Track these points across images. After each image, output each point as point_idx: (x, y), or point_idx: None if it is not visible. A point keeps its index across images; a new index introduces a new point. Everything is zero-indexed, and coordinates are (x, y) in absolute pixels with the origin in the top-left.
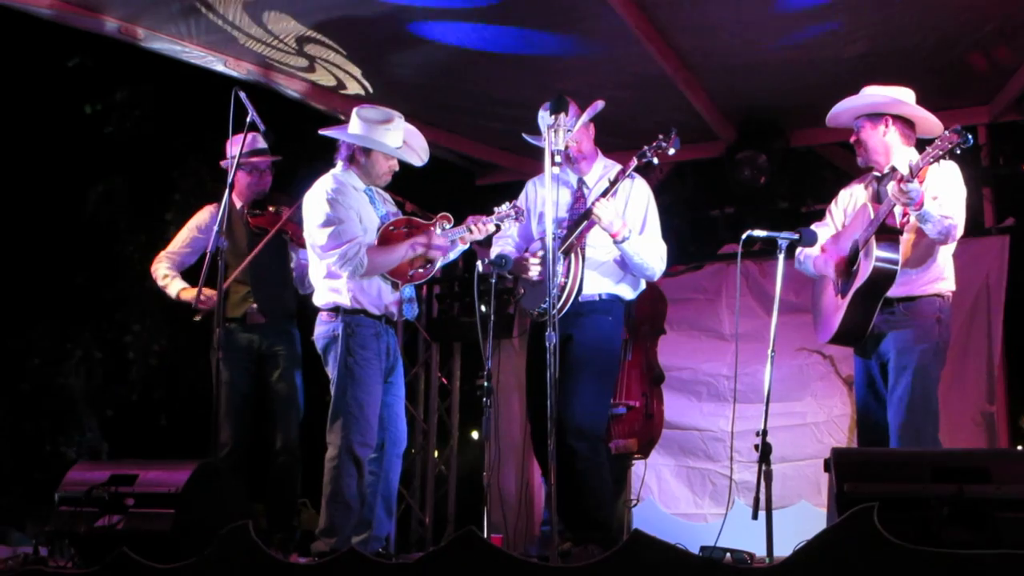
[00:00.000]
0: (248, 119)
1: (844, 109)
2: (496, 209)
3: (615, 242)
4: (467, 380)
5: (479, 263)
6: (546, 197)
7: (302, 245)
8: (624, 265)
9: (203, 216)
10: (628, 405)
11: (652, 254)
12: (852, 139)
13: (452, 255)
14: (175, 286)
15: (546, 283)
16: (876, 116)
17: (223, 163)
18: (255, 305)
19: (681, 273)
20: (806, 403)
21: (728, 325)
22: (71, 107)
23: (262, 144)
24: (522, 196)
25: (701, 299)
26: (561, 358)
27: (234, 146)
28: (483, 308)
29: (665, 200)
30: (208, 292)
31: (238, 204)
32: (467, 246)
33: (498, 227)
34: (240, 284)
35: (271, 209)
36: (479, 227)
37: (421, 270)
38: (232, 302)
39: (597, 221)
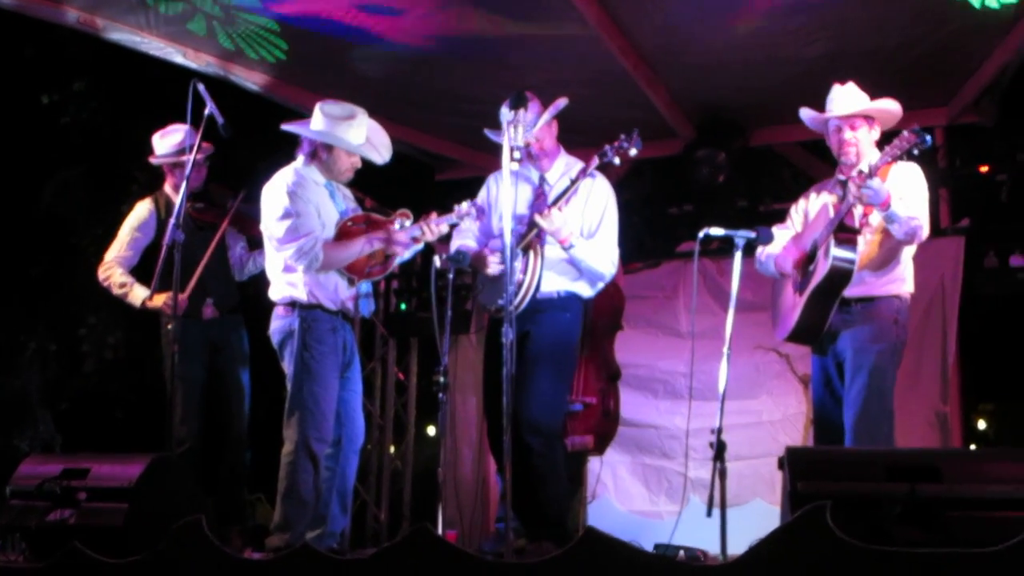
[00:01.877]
0: (206, 112)
1: (855, 110)
2: (456, 207)
3: (563, 248)
4: (424, 376)
5: (436, 258)
6: (505, 194)
7: (244, 233)
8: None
9: (140, 214)
10: (585, 402)
11: (602, 259)
12: (839, 137)
13: (409, 253)
14: (137, 294)
15: (504, 279)
16: (868, 117)
17: (152, 159)
18: (211, 299)
19: (639, 270)
20: (762, 401)
21: (685, 323)
22: (28, 97)
23: (194, 140)
24: (483, 191)
25: (659, 296)
26: (518, 354)
27: (164, 141)
28: (441, 304)
29: (624, 197)
30: (181, 297)
31: (175, 199)
32: (422, 246)
33: (453, 227)
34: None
35: (214, 202)
36: (431, 228)
37: (379, 266)
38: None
39: (544, 229)
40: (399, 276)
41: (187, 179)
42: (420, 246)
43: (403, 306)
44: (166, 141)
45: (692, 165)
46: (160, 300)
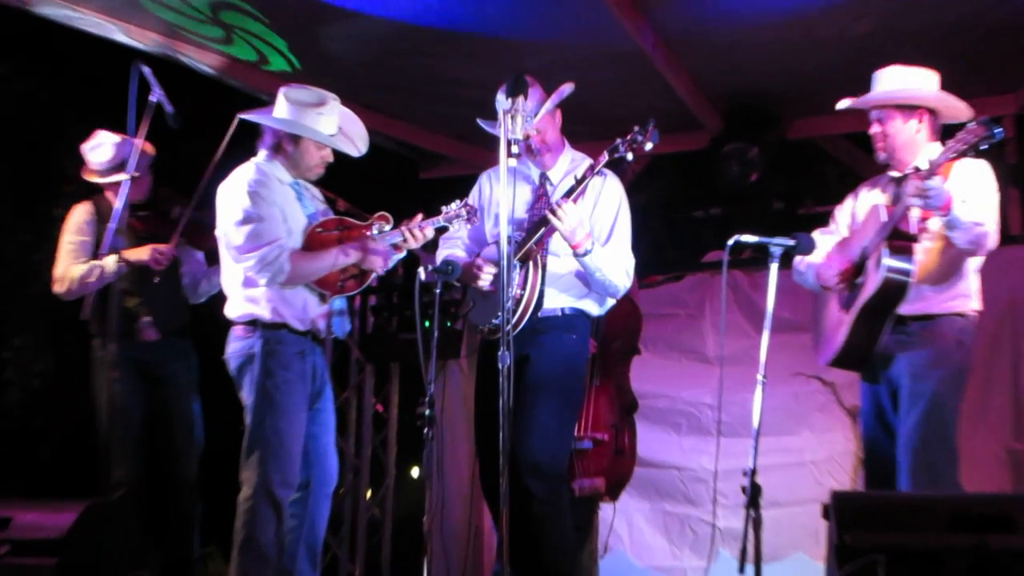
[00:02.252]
0: (152, 99)
1: (878, 96)
2: (444, 209)
3: (575, 255)
4: (406, 408)
5: (421, 270)
6: (501, 195)
7: (198, 248)
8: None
9: (78, 219)
10: (595, 439)
11: (616, 269)
12: (873, 130)
13: (389, 263)
14: (108, 261)
15: (500, 294)
16: (910, 108)
17: (85, 176)
18: (148, 319)
19: (659, 284)
20: (803, 438)
21: (712, 346)
22: None
23: (128, 153)
24: (474, 192)
25: (681, 315)
26: (516, 382)
27: (93, 155)
28: (426, 323)
29: (640, 199)
30: (166, 248)
31: (116, 205)
32: (404, 254)
33: (442, 230)
34: (129, 296)
35: (160, 208)
36: (415, 234)
37: (353, 280)
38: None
39: (557, 228)
40: (378, 291)
41: (125, 197)
42: (402, 255)
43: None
44: (95, 156)
45: (720, 161)
46: (144, 253)
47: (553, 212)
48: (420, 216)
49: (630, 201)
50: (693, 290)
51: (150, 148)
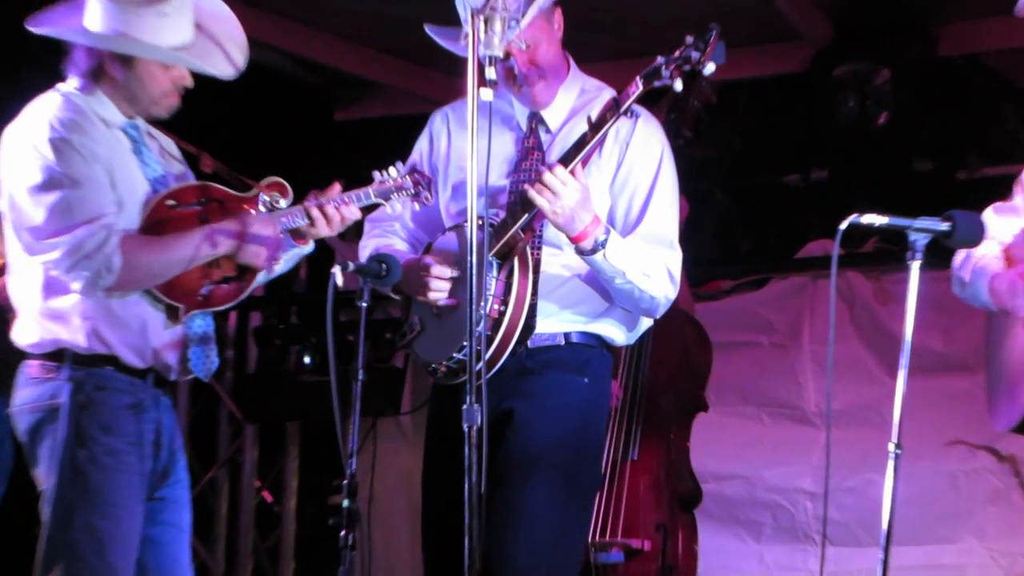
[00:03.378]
0: None
1: None
2: (379, 176)
3: (578, 252)
4: (311, 496)
5: (338, 270)
6: (468, 150)
7: None
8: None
9: None
10: (629, 547)
11: (652, 271)
12: None
13: (284, 262)
14: None
15: (465, 312)
16: None
17: None
18: None
19: (726, 294)
20: (966, 547)
21: (814, 395)
22: None
23: None
24: (422, 145)
25: (764, 344)
26: (493, 454)
27: None
28: (345, 357)
29: (695, 157)
30: None
31: None
32: (311, 247)
33: (373, 207)
34: None
35: None
36: (328, 213)
37: (226, 285)
38: None
39: (543, 211)
40: (266, 305)
41: None
42: (306, 249)
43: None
44: None
45: (828, 93)
46: None
47: (538, 185)
48: (338, 187)
49: (680, 161)
50: (782, 304)
51: None
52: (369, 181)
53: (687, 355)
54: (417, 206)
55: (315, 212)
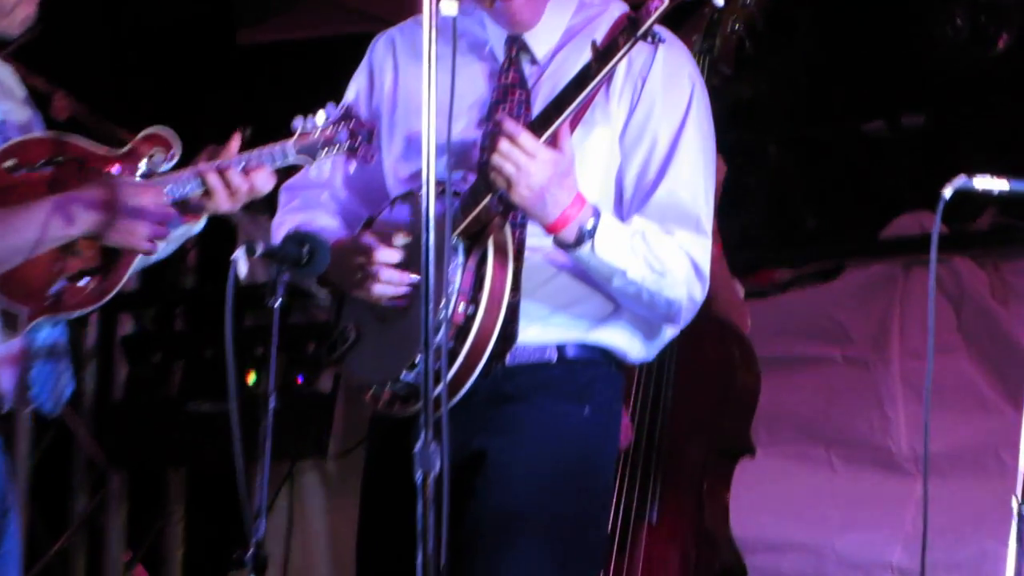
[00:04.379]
0: None
1: None
2: (299, 124)
3: (557, 244)
4: (200, 572)
5: (240, 255)
6: (424, 86)
7: None
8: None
9: None
10: None
11: (669, 263)
12: None
13: (167, 244)
14: None
15: (419, 314)
16: None
17: None
18: None
19: (779, 290)
20: None
21: (907, 431)
22: None
23: None
24: (359, 83)
25: (835, 360)
26: (458, 513)
27: None
28: (252, 377)
29: (739, 98)
30: None
31: None
32: (202, 222)
33: (291, 170)
34: None
35: None
36: (229, 178)
37: (87, 279)
38: None
39: (507, 194)
40: (140, 305)
41: None
42: (197, 226)
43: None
44: None
45: (924, 5)
46: None
47: (495, 155)
48: (237, 139)
49: (717, 104)
50: (861, 303)
51: None
52: (287, 132)
53: (727, 380)
54: (353, 167)
55: (212, 179)
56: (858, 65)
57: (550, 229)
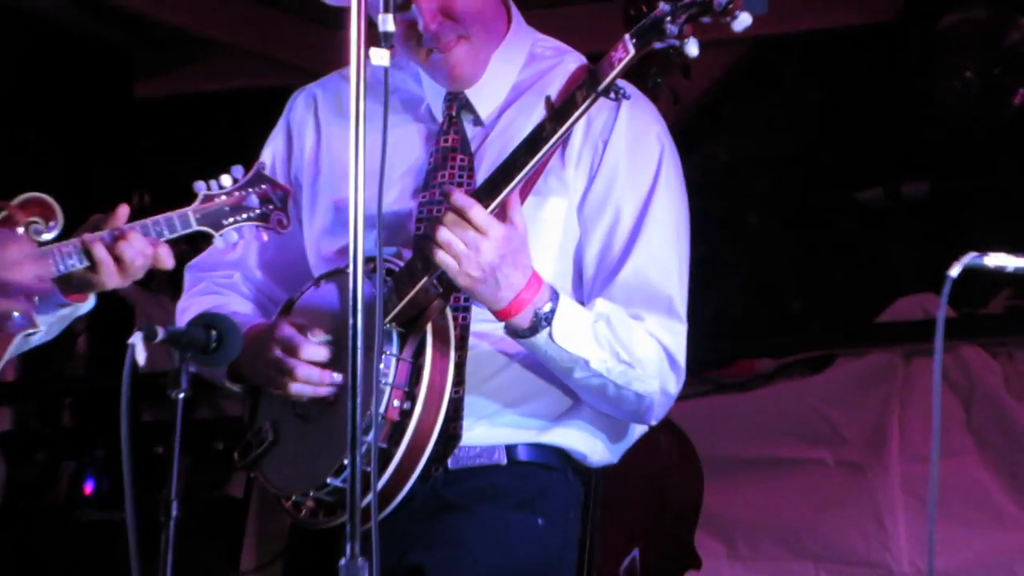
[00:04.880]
0: None
1: None
2: (202, 189)
3: (509, 332)
4: None
5: (138, 340)
6: (351, 150)
7: None
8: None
9: None
10: None
11: (638, 351)
12: None
13: (47, 327)
14: None
15: (346, 411)
16: None
17: None
18: None
19: (761, 383)
20: None
21: (908, 546)
22: None
23: None
24: (275, 146)
25: (826, 464)
26: None
27: None
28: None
29: (715, 161)
30: None
31: None
32: (91, 303)
33: (195, 245)
34: None
35: None
36: (121, 251)
37: None
38: None
39: (452, 274)
40: (20, 398)
41: None
42: (84, 306)
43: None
44: None
45: (930, 57)
46: None
47: (440, 229)
48: (125, 208)
49: (689, 166)
50: (855, 399)
51: None
52: (189, 201)
53: (662, 482)
54: (266, 237)
55: (99, 251)
56: (852, 124)
57: (501, 315)
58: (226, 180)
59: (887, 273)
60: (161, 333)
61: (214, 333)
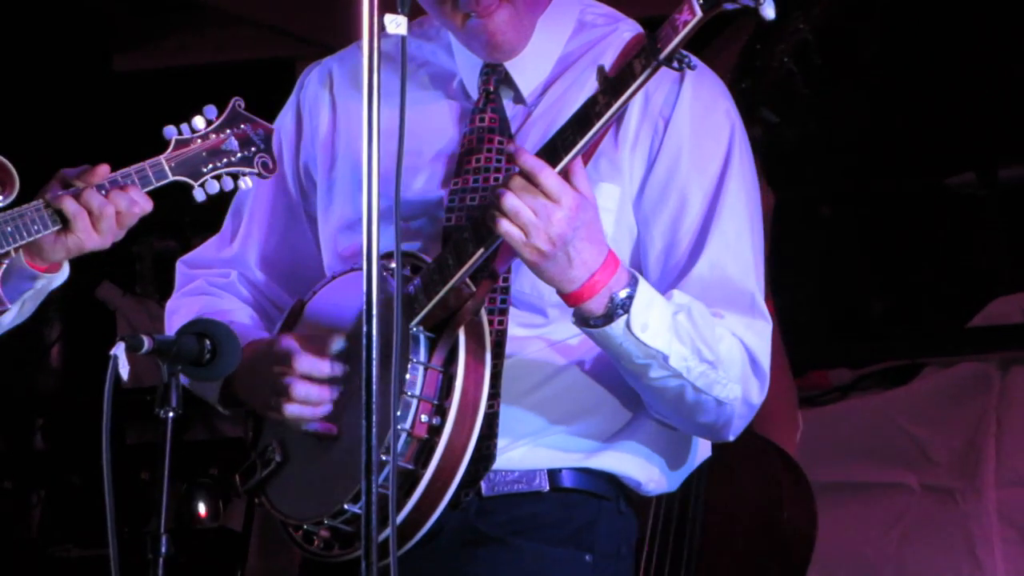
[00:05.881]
0: None
1: None
2: (173, 134)
3: (578, 320)
4: None
5: (120, 351)
6: (365, 131)
7: None
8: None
9: None
10: None
11: (721, 350)
12: None
13: (15, 307)
14: None
15: (363, 433)
16: None
17: None
18: None
19: (836, 397)
20: None
21: None
22: None
23: None
24: (286, 126)
25: (911, 488)
26: None
27: None
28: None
29: (784, 144)
30: None
31: None
32: (64, 274)
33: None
34: None
35: None
36: (95, 205)
37: None
38: None
39: (514, 249)
40: None
41: None
42: (58, 277)
43: None
44: None
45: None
46: None
47: (504, 197)
48: (105, 169)
49: (758, 153)
50: (945, 415)
51: None
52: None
53: (771, 519)
54: (250, 183)
55: (69, 205)
56: (941, 102)
57: (571, 299)
58: (199, 122)
59: (982, 270)
60: (147, 343)
61: (208, 342)
